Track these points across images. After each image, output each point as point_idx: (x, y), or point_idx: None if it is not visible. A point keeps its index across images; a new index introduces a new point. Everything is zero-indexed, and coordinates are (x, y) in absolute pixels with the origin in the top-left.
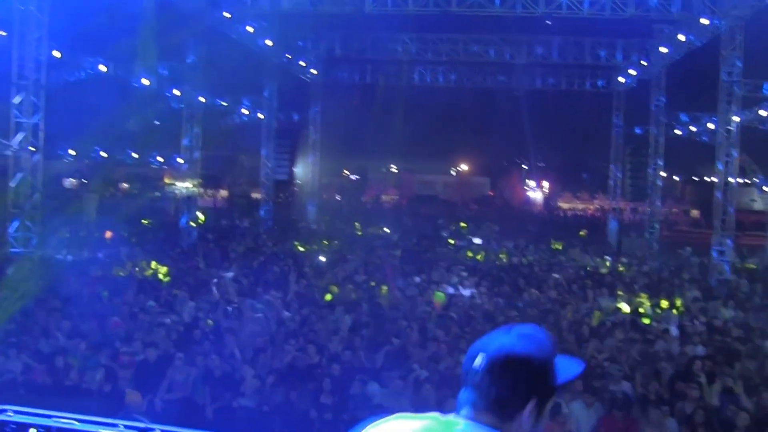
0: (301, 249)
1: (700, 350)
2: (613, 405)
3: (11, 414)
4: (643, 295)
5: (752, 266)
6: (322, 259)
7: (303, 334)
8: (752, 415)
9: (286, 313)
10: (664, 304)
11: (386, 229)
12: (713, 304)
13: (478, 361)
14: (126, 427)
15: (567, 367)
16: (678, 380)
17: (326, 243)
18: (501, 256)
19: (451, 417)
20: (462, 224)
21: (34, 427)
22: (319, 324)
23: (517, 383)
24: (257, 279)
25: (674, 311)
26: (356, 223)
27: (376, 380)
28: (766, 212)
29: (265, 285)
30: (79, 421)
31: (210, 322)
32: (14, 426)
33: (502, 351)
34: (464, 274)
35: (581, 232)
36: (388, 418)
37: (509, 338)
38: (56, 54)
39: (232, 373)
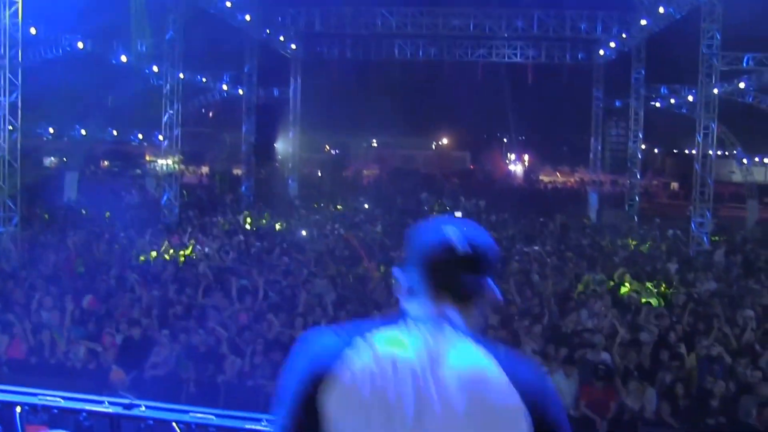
0: (280, 226)
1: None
2: (593, 375)
3: None
4: (623, 267)
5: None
6: (304, 233)
7: (287, 309)
8: (730, 384)
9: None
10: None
11: (366, 205)
12: (697, 275)
13: (459, 246)
14: (111, 403)
15: None
16: (657, 350)
17: (307, 217)
18: None
19: (411, 323)
20: (442, 202)
21: (20, 405)
22: (302, 298)
23: (489, 269)
24: (240, 254)
25: (650, 285)
26: (337, 199)
27: None
28: (745, 184)
29: (248, 260)
30: (65, 398)
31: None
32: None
33: (481, 236)
34: None
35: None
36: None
37: (474, 224)
38: (33, 31)
39: (215, 348)
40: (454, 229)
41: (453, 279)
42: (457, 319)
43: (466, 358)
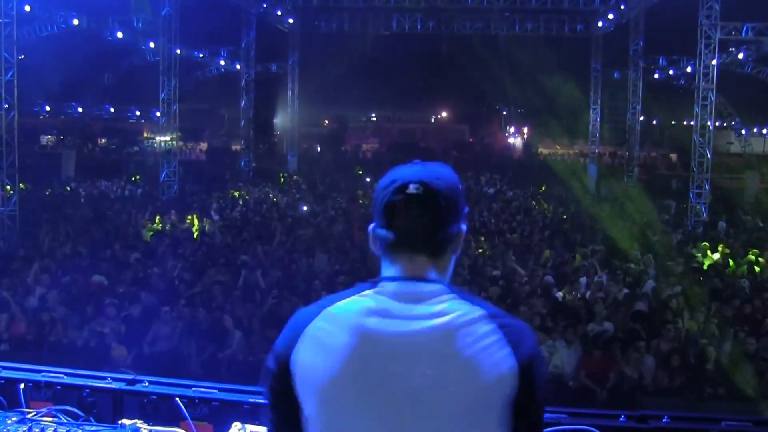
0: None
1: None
2: (593, 344)
3: None
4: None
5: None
6: (305, 208)
7: (286, 284)
8: (726, 354)
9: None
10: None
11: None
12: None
13: (413, 186)
14: (114, 379)
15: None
16: (656, 319)
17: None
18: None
19: (390, 285)
20: None
21: (23, 382)
22: (301, 272)
23: (453, 211)
24: (240, 230)
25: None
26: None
27: None
28: (743, 155)
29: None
30: (67, 374)
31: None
32: (3, 381)
33: (441, 177)
34: None
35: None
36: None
37: (437, 167)
38: (27, 9)
39: (217, 324)
40: (408, 169)
41: (409, 224)
42: (430, 273)
43: (444, 313)
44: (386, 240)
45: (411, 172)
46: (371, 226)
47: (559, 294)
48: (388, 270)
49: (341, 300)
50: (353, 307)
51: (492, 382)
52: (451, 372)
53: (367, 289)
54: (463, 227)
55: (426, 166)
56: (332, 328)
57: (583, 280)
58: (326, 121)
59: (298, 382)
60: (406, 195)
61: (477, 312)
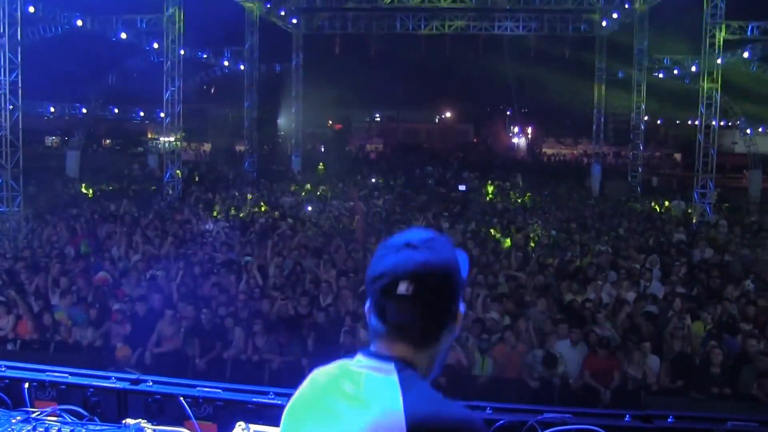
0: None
1: (682, 290)
2: (597, 344)
3: (4, 369)
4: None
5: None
6: (309, 208)
7: (291, 284)
8: (730, 354)
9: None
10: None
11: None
12: (701, 245)
13: (403, 287)
14: (118, 379)
15: (462, 262)
16: (661, 320)
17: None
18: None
19: (356, 358)
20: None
21: (28, 381)
22: (306, 274)
23: (447, 298)
24: (243, 231)
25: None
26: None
27: (364, 327)
28: (747, 154)
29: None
30: (72, 374)
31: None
32: (8, 380)
33: (432, 267)
34: (446, 225)
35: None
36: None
37: (428, 252)
38: (32, 10)
39: (220, 324)
40: (399, 259)
41: (400, 322)
42: (403, 360)
43: (371, 404)
44: (376, 329)
45: (401, 264)
46: (367, 305)
47: (567, 295)
48: (371, 345)
49: (324, 366)
50: (325, 370)
51: None
52: None
53: (344, 360)
54: (461, 308)
55: (417, 251)
56: (303, 385)
57: (590, 282)
58: (330, 122)
59: None
60: (396, 295)
61: (398, 419)
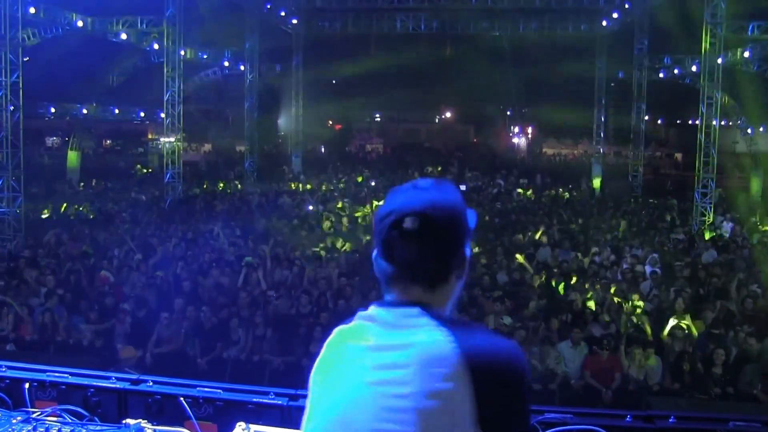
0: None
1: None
2: (598, 344)
3: (4, 369)
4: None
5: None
6: (311, 208)
7: (294, 285)
8: (732, 353)
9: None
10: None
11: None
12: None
13: (410, 222)
14: (118, 379)
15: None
16: (662, 320)
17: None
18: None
19: (372, 309)
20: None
21: (29, 381)
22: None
23: (454, 237)
24: (244, 232)
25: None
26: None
27: None
28: (748, 154)
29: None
30: (72, 374)
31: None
32: (9, 381)
33: (438, 205)
34: None
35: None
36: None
37: (435, 192)
38: (32, 10)
39: (221, 325)
40: (405, 197)
41: (408, 259)
42: (424, 300)
43: (414, 342)
44: (385, 272)
45: (408, 202)
46: (374, 253)
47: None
48: (385, 295)
49: (346, 322)
50: (345, 327)
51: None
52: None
53: (363, 314)
54: (467, 251)
55: (424, 191)
56: (328, 342)
57: (588, 281)
58: (330, 122)
59: None
60: (402, 230)
61: (448, 347)
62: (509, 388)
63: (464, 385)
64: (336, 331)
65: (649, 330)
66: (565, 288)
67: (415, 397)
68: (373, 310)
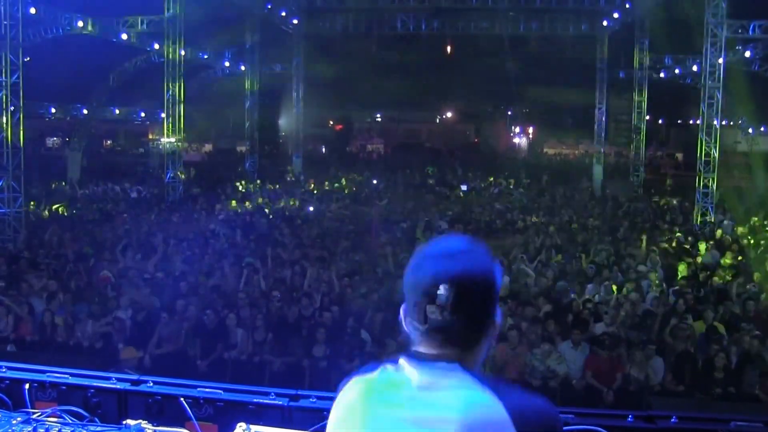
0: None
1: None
2: (599, 345)
3: (5, 370)
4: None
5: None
6: (311, 209)
7: (294, 285)
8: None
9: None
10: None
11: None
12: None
13: (443, 290)
14: (119, 379)
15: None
16: (664, 320)
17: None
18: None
19: (402, 363)
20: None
21: (29, 382)
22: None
23: (486, 306)
24: (245, 232)
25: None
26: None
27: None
28: (750, 153)
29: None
30: (72, 375)
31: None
32: (9, 381)
33: (470, 273)
34: (444, 226)
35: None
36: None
37: (468, 258)
38: (33, 11)
39: (222, 326)
40: (439, 262)
41: (440, 325)
42: (457, 360)
43: (457, 402)
44: (417, 330)
45: (441, 269)
46: (403, 306)
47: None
48: (414, 348)
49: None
50: (368, 377)
51: None
52: None
53: (387, 365)
54: (497, 318)
55: (457, 258)
56: (346, 389)
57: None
58: (331, 122)
59: None
60: (436, 298)
61: (494, 408)
62: None
63: None
64: (358, 382)
65: (650, 330)
66: (565, 288)
67: None
68: (404, 363)
